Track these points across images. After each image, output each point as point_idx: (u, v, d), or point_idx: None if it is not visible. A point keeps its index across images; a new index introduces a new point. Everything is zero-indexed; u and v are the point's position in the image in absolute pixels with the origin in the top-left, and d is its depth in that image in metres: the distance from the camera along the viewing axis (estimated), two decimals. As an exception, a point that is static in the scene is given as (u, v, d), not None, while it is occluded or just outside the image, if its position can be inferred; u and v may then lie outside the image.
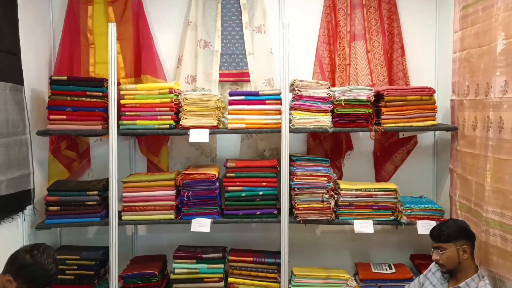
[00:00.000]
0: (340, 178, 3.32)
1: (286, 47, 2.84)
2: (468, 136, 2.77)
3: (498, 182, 2.38)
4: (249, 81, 3.21)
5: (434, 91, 2.89)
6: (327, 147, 3.32)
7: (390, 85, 3.24)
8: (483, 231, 2.47)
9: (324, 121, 2.87)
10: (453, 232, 2.32)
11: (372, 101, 2.88)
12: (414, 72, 3.31)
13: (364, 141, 3.32)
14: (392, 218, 2.89)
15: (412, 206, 2.89)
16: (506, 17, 2.35)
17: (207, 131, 2.83)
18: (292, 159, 2.94)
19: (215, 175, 2.88)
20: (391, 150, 3.32)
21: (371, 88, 2.91)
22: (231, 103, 2.90)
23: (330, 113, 2.88)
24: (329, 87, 2.91)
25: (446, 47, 3.12)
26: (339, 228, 3.30)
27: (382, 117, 2.88)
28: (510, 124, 2.29)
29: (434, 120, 2.89)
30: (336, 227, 3.25)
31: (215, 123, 2.88)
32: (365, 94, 2.87)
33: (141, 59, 3.19)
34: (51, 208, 2.85)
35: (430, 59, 3.32)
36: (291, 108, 2.89)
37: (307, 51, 3.30)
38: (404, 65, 3.26)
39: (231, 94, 2.93)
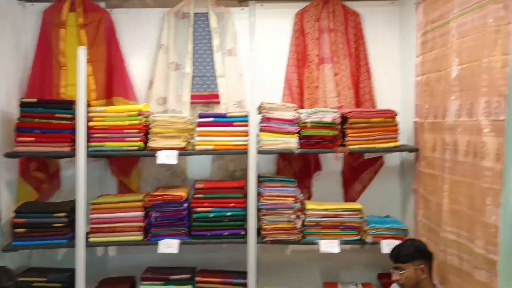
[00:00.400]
0: (309, 198, 3.38)
1: (255, 71, 2.94)
2: (428, 157, 2.85)
3: (454, 203, 2.45)
4: (219, 102, 3.27)
5: (396, 114, 2.98)
6: (297, 167, 3.38)
7: (357, 107, 3.32)
8: (442, 250, 2.54)
9: (291, 142, 2.93)
10: (411, 252, 2.38)
11: (337, 123, 2.96)
12: (381, 94, 3.40)
13: (332, 162, 3.37)
14: (357, 237, 2.95)
15: (377, 225, 2.95)
16: (460, 44, 2.46)
17: (175, 152, 2.87)
18: (260, 180, 2.99)
19: (183, 196, 2.92)
20: (358, 170, 3.39)
21: (336, 110, 2.99)
22: (200, 124, 2.96)
23: (297, 135, 2.95)
24: (296, 109, 2.99)
25: (410, 71, 3.22)
26: (309, 248, 3.30)
27: (347, 138, 2.95)
28: (464, 147, 2.37)
29: (397, 141, 2.97)
30: (306, 246, 3.27)
31: (183, 144, 2.92)
32: (330, 117, 2.95)
33: (113, 81, 3.24)
34: (18, 230, 2.85)
35: (395, 82, 3.41)
36: (260, 130, 2.95)
37: (277, 74, 3.38)
38: (371, 88, 3.36)
39: (200, 116, 2.99)
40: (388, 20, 3.43)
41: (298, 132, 2.95)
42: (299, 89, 3.35)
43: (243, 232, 2.94)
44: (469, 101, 2.35)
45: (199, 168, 3.38)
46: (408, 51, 3.29)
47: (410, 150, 3.04)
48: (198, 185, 2.97)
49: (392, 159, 3.41)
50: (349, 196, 3.41)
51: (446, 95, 2.58)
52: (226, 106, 3.27)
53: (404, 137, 3.23)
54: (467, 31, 2.39)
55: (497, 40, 2.10)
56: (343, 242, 2.93)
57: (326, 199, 3.20)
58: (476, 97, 2.27)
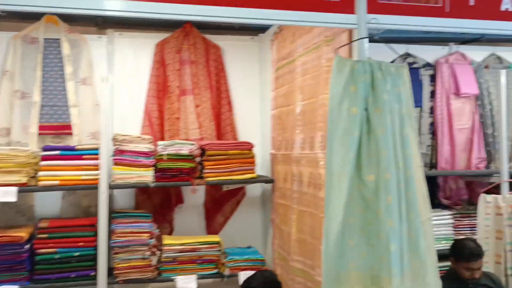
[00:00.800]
0: (171, 232, 3.29)
1: (112, 101, 2.83)
2: (281, 188, 2.95)
3: (300, 232, 2.55)
4: (71, 134, 3.07)
5: (253, 146, 3.05)
6: (157, 201, 3.28)
7: (219, 139, 3.35)
8: (291, 279, 2.61)
9: (146, 176, 2.84)
10: (259, 284, 2.39)
11: (195, 155, 2.94)
12: (242, 126, 3.47)
13: (195, 194, 3.34)
14: (215, 271, 2.92)
15: (235, 257, 2.95)
16: (302, 81, 2.61)
17: (14, 189, 2.61)
18: (112, 216, 2.83)
19: (23, 237, 2.65)
20: (221, 202, 3.40)
21: (193, 142, 2.98)
22: (44, 158, 2.74)
23: (153, 168, 2.87)
24: (152, 141, 2.92)
25: (267, 104, 3.35)
26: (169, 285, 3.21)
27: (205, 170, 2.94)
28: (307, 178, 2.50)
29: (253, 173, 3.04)
30: (165, 283, 3.16)
31: (24, 180, 2.67)
32: (187, 149, 2.93)
33: None
34: None
35: (256, 114, 3.52)
36: (113, 163, 2.82)
37: (137, 105, 3.30)
38: (232, 120, 3.42)
39: (45, 149, 2.78)
40: (249, 54, 3.55)
41: (154, 165, 2.87)
42: (159, 120, 3.29)
43: (93, 273, 2.74)
44: (310, 135, 2.49)
45: (49, 204, 3.11)
46: (266, 85, 3.42)
47: (266, 181, 3.13)
48: (42, 224, 2.73)
49: (254, 190, 3.48)
50: (212, 228, 3.38)
51: (293, 128, 2.72)
52: (79, 137, 3.07)
53: (264, 168, 3.33)
54: (307, 70, 2.55)
55: (328, 80, 2.25)
56: (201, 277, 2.88)
57: (188, 233, 3.15)
58: (314, 131, 2.42)
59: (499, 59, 3.68)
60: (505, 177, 3.07)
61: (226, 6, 1.99)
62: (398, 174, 1.89)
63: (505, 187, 3.06)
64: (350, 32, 2.07)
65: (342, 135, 1.87)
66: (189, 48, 3.36)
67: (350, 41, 2.02)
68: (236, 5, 1.98)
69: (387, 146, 1.87)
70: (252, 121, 3.50)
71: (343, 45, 2.01)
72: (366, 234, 1.88)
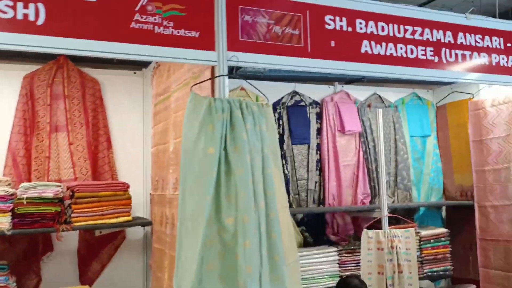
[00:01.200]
0: (38, 284, 2.94)
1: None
2: (157, 231, 2.77)
3: (171, 280, 2.36)
4: None
5: (128, 186, 2.84)
6: (20, 249, 2.93)
7: (95, 179, 3.11)
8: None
9: (1, 222, 2.51)
10: None
11: (62, 197, 2.67)
12: (123, 165, 3.25)
13: (67, 240, 3.02)
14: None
15: (105, 310, 2.68)
16: (175, 117, 2.50)
17: None
18: (-43, 271, 2.46)
19: None
20: (97, 248, 3.12)
21: (59, 184, 2.72)
22: None
23: (10, 213, 2.55)
24: (10, 183, 2.62)
25: (149, 142, 3.18)
26: None
27: (73, 215, 2.67)
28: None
29: (129, 216, 2.81)
30: None
31: None
32: (52, 191, 2.65)
33: None
34: None
35: (138, 153, 3.32)
36: (-39, 209, 2.47)
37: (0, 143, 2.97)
38: (111, 158, 3.20)
39: None
40: (132, 89, 3.37)
41: (12, 210, 2.56)
42: (26, 159, 2.99)
43: None
44: (182, 174, 2.35)
45: None
46: (148, 122, 3.26)
47: (143, 224, 2.93)
48: None
49: (135, 234, 3.24)
50: (86, 278, 3.08)
51: (167, 168, 2.58)
52: None
53: (147, 210, 3.13)
54: (179, 106, 2.45)
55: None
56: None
57: (59, 284, 2.84)
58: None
59: (381, 99, 3.88)
60: (384, 212, 3.13)
61: (81, 39, 1.86)
62: (259, 217, 1.80)
63: (385, 222, 3.12)
64: (213, 69, 2.01)
65: (197, 177, 1.76)
66: (63, 81, 3.12)
67: (211, 77, 1.95)
68: (90, 38, 1.85)
69: (246, 187, 1.78)
70: (134, 160, 3.29)
71: (199, 83, 1.93)
72: (226, 281, 1.76)
